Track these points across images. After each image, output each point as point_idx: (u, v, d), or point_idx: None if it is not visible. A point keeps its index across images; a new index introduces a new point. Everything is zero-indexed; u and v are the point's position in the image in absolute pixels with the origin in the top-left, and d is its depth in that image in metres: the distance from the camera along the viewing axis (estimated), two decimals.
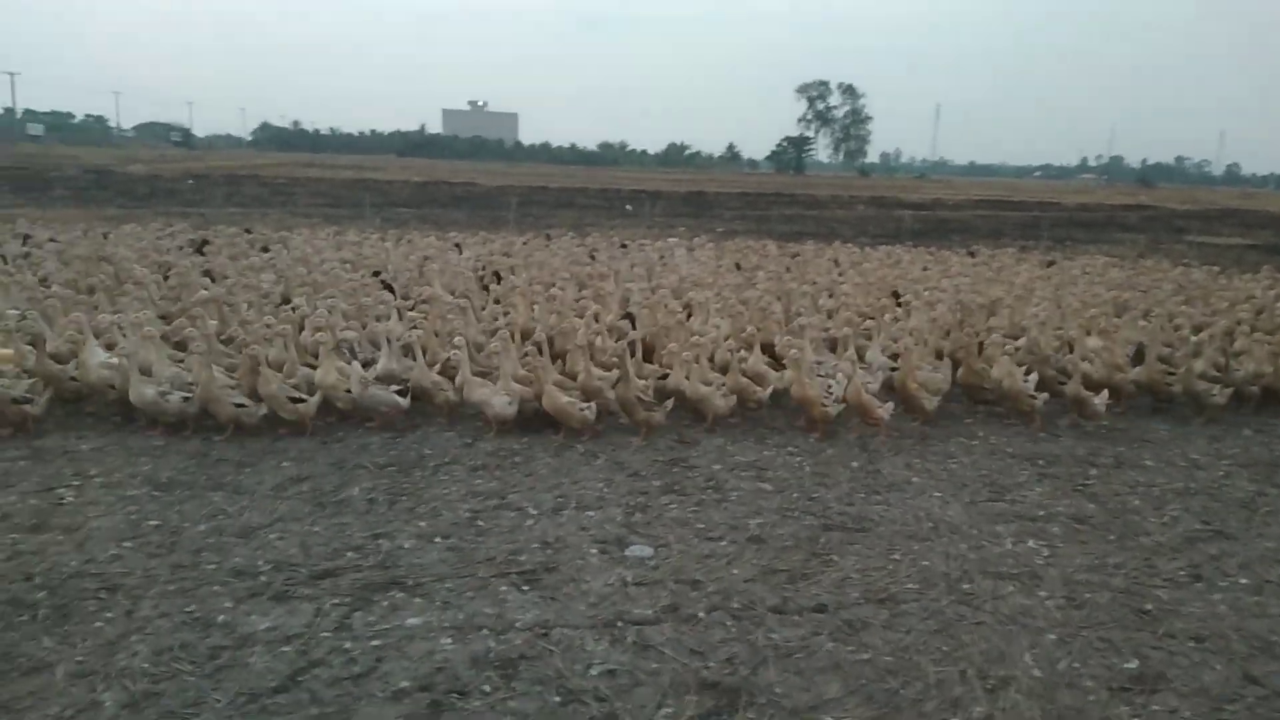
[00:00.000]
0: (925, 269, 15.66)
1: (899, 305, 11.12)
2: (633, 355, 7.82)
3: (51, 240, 13.86)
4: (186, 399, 6.90)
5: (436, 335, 8.41)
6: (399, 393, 7.34)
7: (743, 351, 8.32)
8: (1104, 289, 13.46)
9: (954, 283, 13.50)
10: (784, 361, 8.12)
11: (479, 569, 4.96)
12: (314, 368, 7.41)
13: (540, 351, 7.41)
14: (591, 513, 5.78)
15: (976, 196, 56.75)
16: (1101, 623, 4.67)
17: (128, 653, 4.04)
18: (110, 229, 16.14)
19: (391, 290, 10.62)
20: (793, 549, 5.38)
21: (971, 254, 19.35)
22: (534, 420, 7.46)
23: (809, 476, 6.63)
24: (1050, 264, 17.60)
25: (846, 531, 5.67)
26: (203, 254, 12.85)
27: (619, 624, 4.45)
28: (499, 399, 7.26)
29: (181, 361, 7.51)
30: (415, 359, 7.61)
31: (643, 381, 7.66)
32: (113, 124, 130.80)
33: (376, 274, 11.58)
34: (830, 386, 7.75)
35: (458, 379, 7.43)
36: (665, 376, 7.96)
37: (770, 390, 7.96)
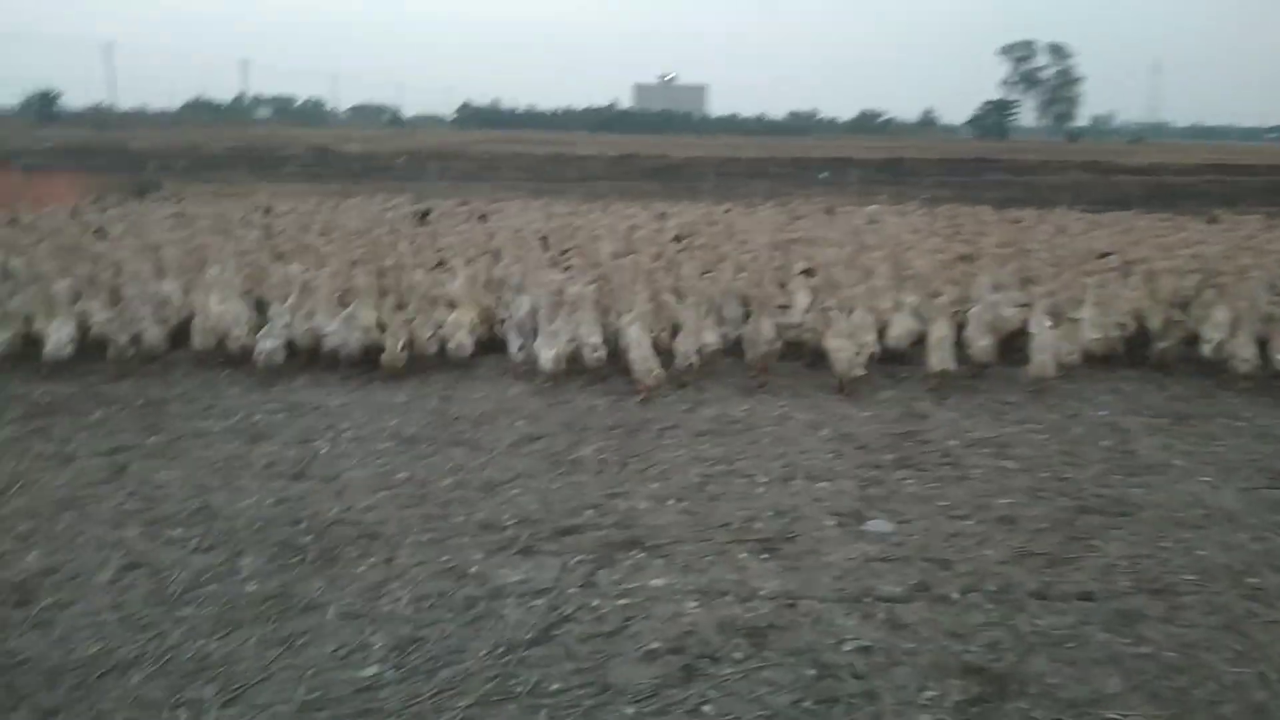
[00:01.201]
0: (1160, 236, 14.42)
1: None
2: None
3: (291, 211, 14.92)
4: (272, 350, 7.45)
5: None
6: (519, 348, 7.66)
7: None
8: None
9: (1191, 250, 12.37)
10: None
11: (716, 534, 4.90)
12: None
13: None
14: (823, 484, 5.60)
15: (1204, 160, 51.91)
16: None
17: (390, 598, 4.22)
18: (338, 202, 17.20)
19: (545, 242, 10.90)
20: (1048, 531, 5.02)
21: (1212, 220, 17.68)
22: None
23: (1056, 455, 6.18)
24: None
25: (1106, 515, 5.24)
26: (426, 223, 13.45)
27: (867, 599, 4.27)
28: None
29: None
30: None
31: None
32: (330, 106, 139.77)
33: (544, 238, 11.78)
34: None
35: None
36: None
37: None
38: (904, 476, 5.75)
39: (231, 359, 7.83)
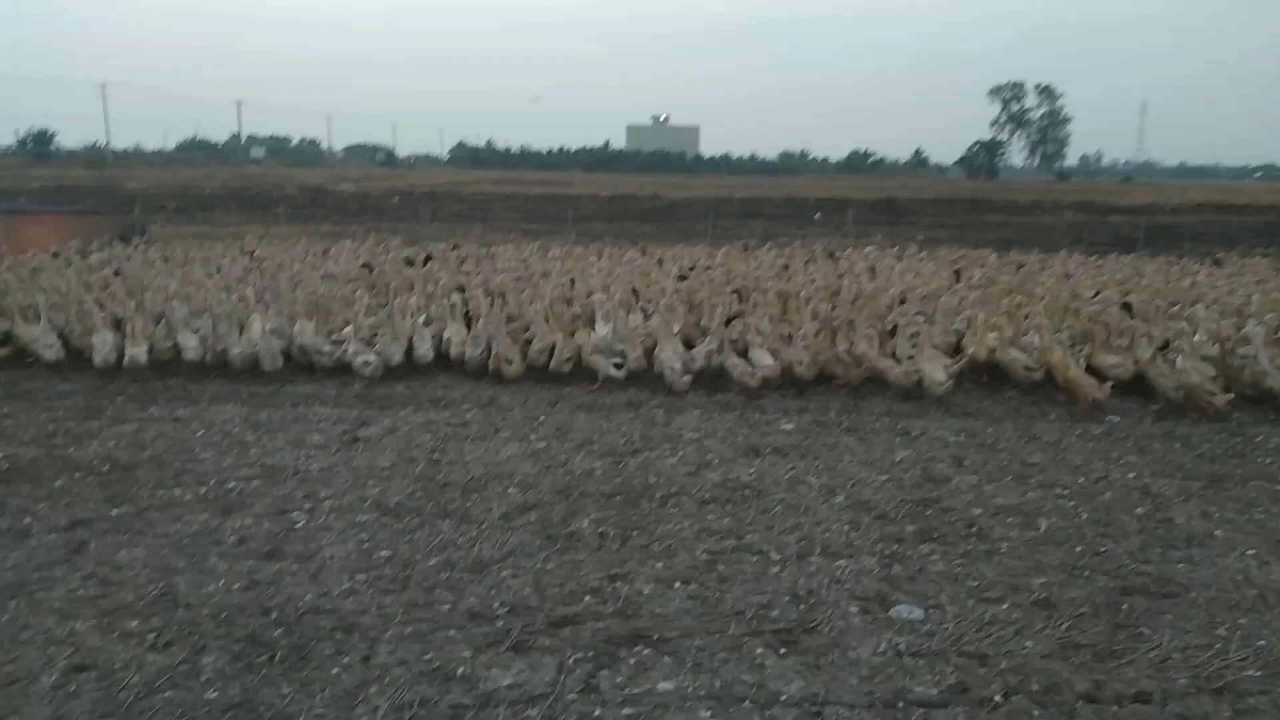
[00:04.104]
0: (1168, 281, 14.09)
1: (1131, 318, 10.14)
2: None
3: (272, 257, 14.59)
4: None
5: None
6: (615, 365, 8.90)
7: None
8: None
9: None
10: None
11: (728, 624, 4.44)
12: None
13: None
14: (842, 561, 5.16)
15: (1196, 200, 52.09)
16: None
17: (367, 706, 3.76)
18: (329, 244, 16.86)
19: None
20: (1091, 617, 4.58)
21: (1218, 262, 17.45)
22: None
23: (1088, 525, 5.75)
24: None
25: (1151, 597, 4.81)
26: (425, 266, 13.36)
27: (900, 704, 3.82)
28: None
29: None
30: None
31: None
32: (325, 146, 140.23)
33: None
34: None
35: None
36: None
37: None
38: (929, 551, 5.31)
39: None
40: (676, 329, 9.60)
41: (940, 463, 6.88)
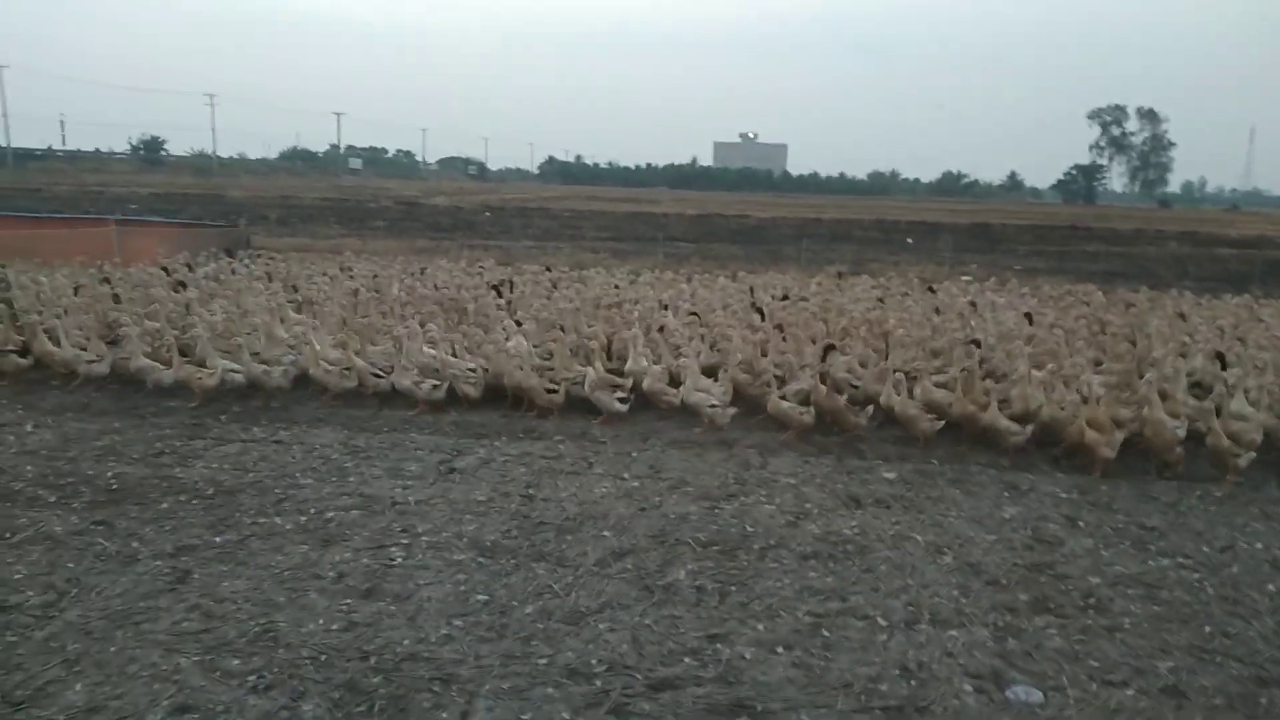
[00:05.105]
0: None
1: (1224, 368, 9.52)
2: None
3: (375, 276, 14.85)
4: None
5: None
6: (620, 399, 8.89)
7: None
8: None
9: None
10: None
11: (836, 698, 4.26)
12: None
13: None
14: (954, 632, 4.92)
15: None
16: None
17: None
18: (425, 263, 17.13)
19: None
20: (1226, 710, 4.27)
21: None
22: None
23: (1216, 601, 5.40)
24: None
25: None
26: (513, 291, 13.31)
27: None
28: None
29: None
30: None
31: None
32: (419, 158, 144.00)
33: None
34: None
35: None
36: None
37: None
38: (1045, 624, 5.04)
39: None
40: (740, 359, 9.53)
41: (1052, 523, 6.56)
